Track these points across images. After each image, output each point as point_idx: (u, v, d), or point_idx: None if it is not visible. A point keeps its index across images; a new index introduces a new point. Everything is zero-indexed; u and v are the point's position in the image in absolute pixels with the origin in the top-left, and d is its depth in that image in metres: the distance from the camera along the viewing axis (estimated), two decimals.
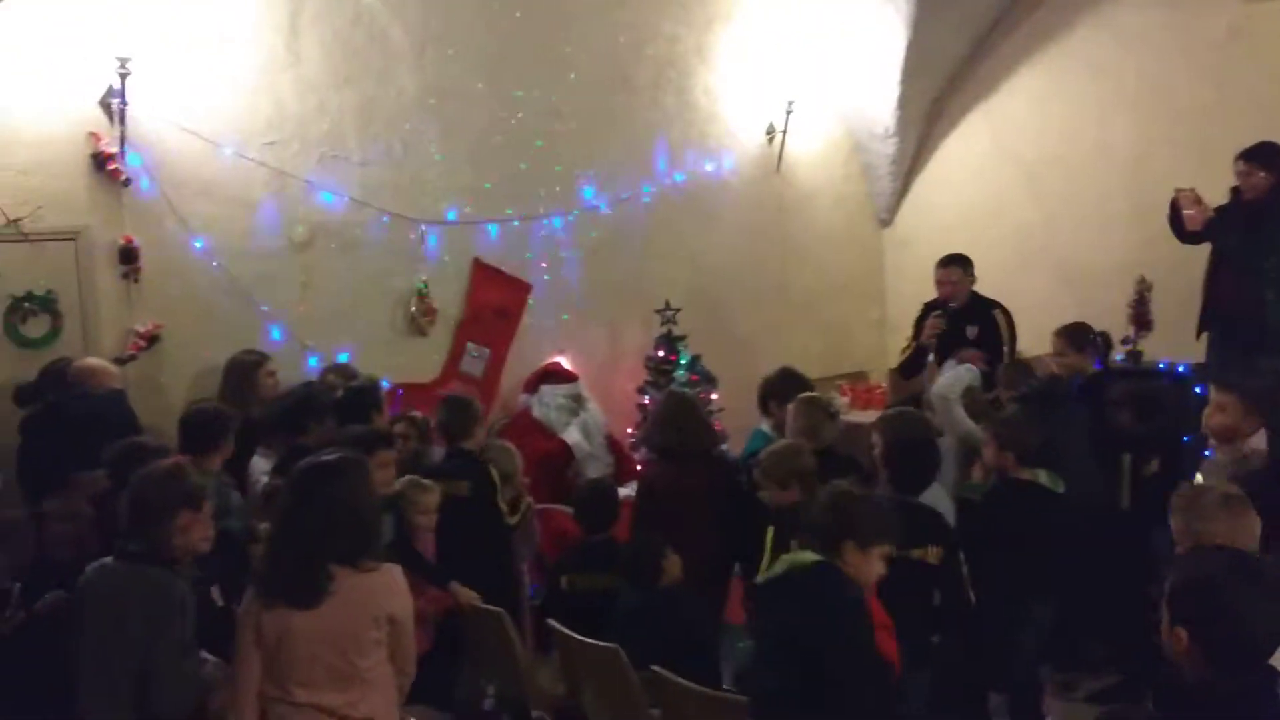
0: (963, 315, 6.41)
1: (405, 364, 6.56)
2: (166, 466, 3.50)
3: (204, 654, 3.50)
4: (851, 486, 3.68)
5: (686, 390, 5.74)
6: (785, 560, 3.40)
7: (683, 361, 7.26)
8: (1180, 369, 5.83)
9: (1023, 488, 4.62)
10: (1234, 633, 2.28)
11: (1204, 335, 5.83)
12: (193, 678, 3.37)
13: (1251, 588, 2.30)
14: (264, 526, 4.02)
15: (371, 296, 6.61)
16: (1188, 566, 2.48)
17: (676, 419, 5.12)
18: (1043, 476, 4.65)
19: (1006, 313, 6.40)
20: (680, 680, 3.83)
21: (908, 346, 6.67)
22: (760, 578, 3.63)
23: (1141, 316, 6.19)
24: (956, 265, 6.44)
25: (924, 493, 4.25)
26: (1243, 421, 4.15)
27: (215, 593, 3.84)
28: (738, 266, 7.94)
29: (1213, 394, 4.33)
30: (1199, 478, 4.08)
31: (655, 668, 3.88)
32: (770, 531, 4.32)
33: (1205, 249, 5.81)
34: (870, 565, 3.37)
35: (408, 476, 4.81)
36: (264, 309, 6.27)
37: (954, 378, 5.62)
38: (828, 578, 3.27)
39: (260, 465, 5.03)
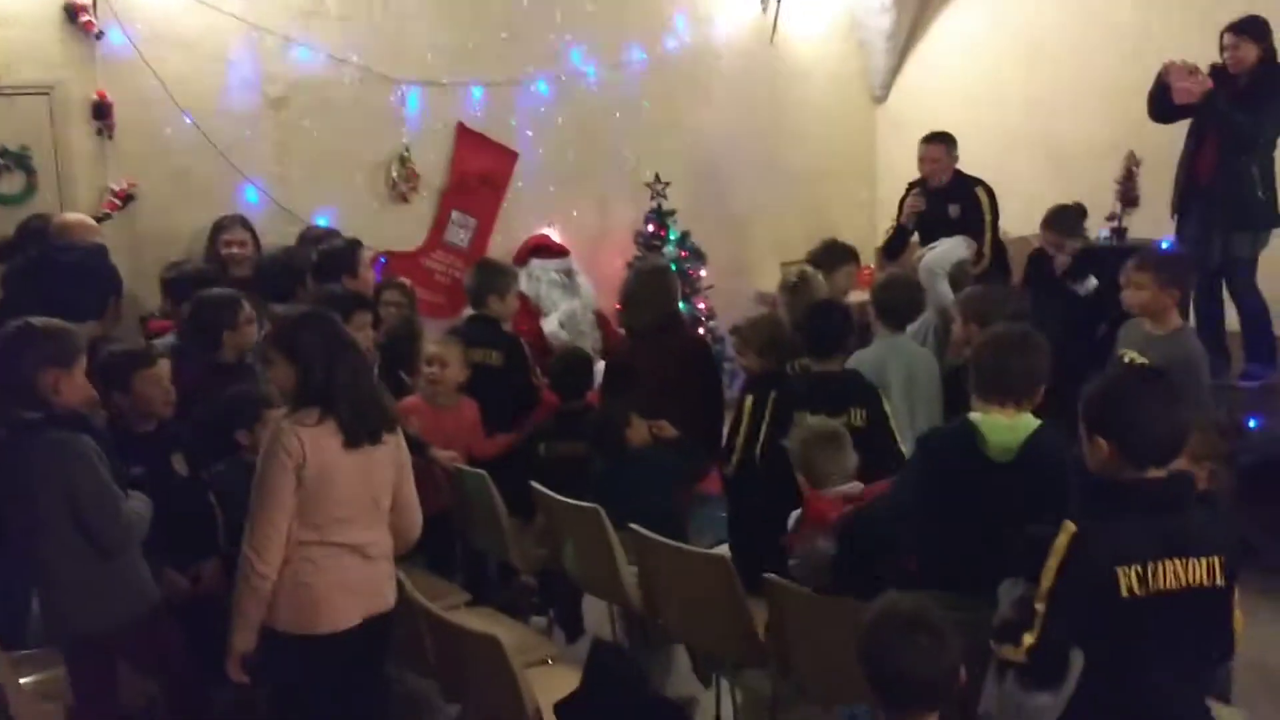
0: (945, 194, 6.27)
1: (388, 231, 6.46)
2: (16, 327, 3.31)
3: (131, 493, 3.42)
4: None
5: (658, 261, 5.62)
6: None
7: (672, 237, 7.20)
8: (1165, 245, 5.77)
9: None
10: (1147, 432, 2.49)
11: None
12: (124, 518, 3.30)
13: (1156, 391, 2.54)
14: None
15: (352, 160, 6.47)
16: (1100, 382, 2.64)
17: (642, 295, 4.99)
18: None
19: (989, 190, 6.26)
20: (657, 537, 3.86)
21: (892, 227, 6.59)
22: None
23: (1128, 193, 6.13)
24: (940, 143, 6.27)
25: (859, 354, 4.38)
26: (1161, 295, 4.32)
27: (178, 461, 3.81)
28: (729, 142, 7.79)
29: (1130, 273, 4.40)
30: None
31: (633, 525, 3.91)
32: (749, 400, 4.36)
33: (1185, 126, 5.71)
34: None
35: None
36: (240, 170, 6.14)
37: (944, 251, 5.56)
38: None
39: None
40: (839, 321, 4.30)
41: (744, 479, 4.31)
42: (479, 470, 4.50)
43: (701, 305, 7.18)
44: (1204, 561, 2.46)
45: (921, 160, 6.33)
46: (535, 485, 4.33)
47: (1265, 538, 5.36)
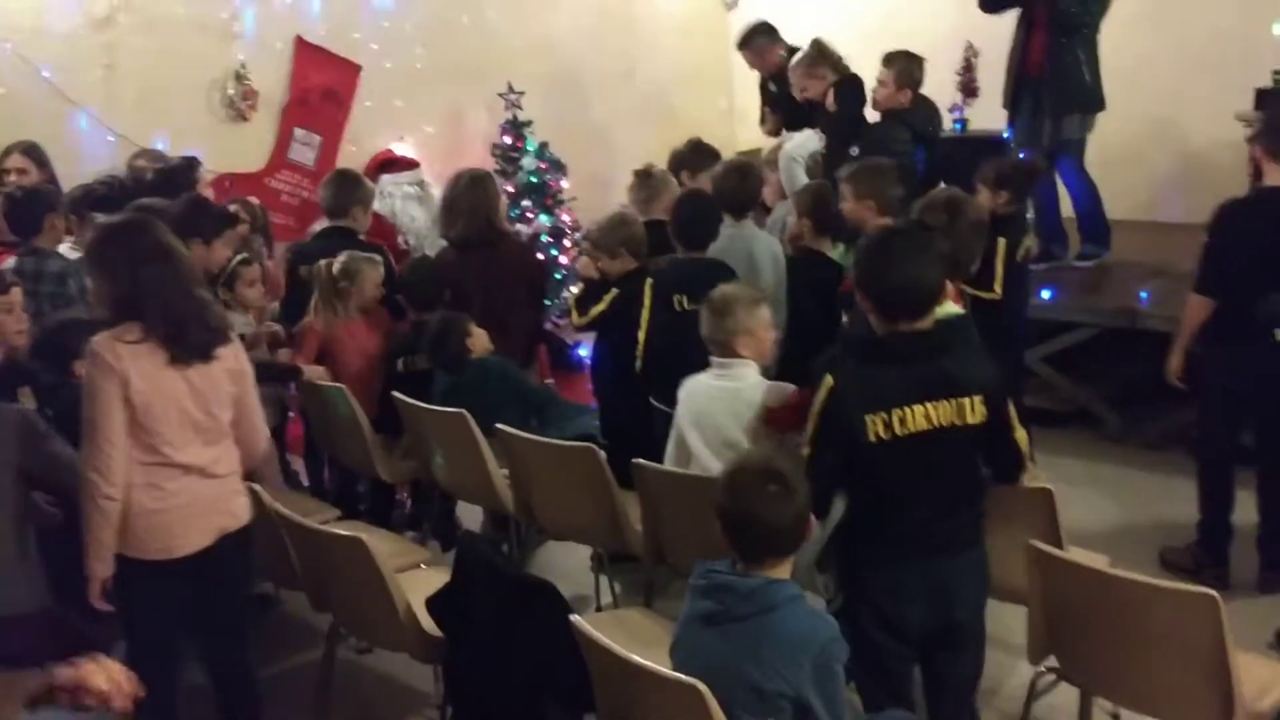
0: (783, 79, 6.25)
1: (229, 152, 6.18)
2: None
3: None
4: None
5: (476, 170, 5.51)
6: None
7: (529, 148, 7.09)
8: (1005, 135, 5.96)
9: (812, 257, 4.52)
10: (889, 287, 2.68)
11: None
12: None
13: (895, 248, 2.72)
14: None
15: (185, 79, 6.16)
16: (865, 240, 2.90)
17: (460, 205, 4.83)
18: (830, 248, 4.51)
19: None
20: (526, 434, 3.86)
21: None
22: None
23: (969, 85, 6.28)
24: (746, 47, 6.32)
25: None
26: (858, 207, 4.26)
27: (25, 395, 3.56)
28: (582, 51, 7.68)
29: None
30: None
31: (500, 425, 3.90)
32: (612, 294, 4.42)
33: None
34: None
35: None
36: (67, 95, 5.79)
37: (802, 141, 5.61)
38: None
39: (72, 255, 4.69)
40: (707, 211, 4.35)
41: (623, 377, 4.34)
42: (338, 385, 4.42)
43: (566, 217, 7.12)
44: (954, 402, 2.66)
45: (749, 64, 6.44)
46: (398, 396, 4.27)
47: (1105, 408, 5.69)
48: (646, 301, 4.21)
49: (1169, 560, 4.39)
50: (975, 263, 3.89)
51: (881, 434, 2.65)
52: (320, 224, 5.10)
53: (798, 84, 5.64)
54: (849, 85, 5.44)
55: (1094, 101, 5.82)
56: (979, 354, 2.81)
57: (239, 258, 4.53)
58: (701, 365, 3.55)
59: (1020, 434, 2.86)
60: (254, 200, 5.34)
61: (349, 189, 4.93)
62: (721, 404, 3.48)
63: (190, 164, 5.02)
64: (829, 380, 2.71)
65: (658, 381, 4.05)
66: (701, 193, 4.66)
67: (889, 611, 2.78)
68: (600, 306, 4.47)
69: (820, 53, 5.54)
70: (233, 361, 3.11)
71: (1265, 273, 3.95)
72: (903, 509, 2.74)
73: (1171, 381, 4.27)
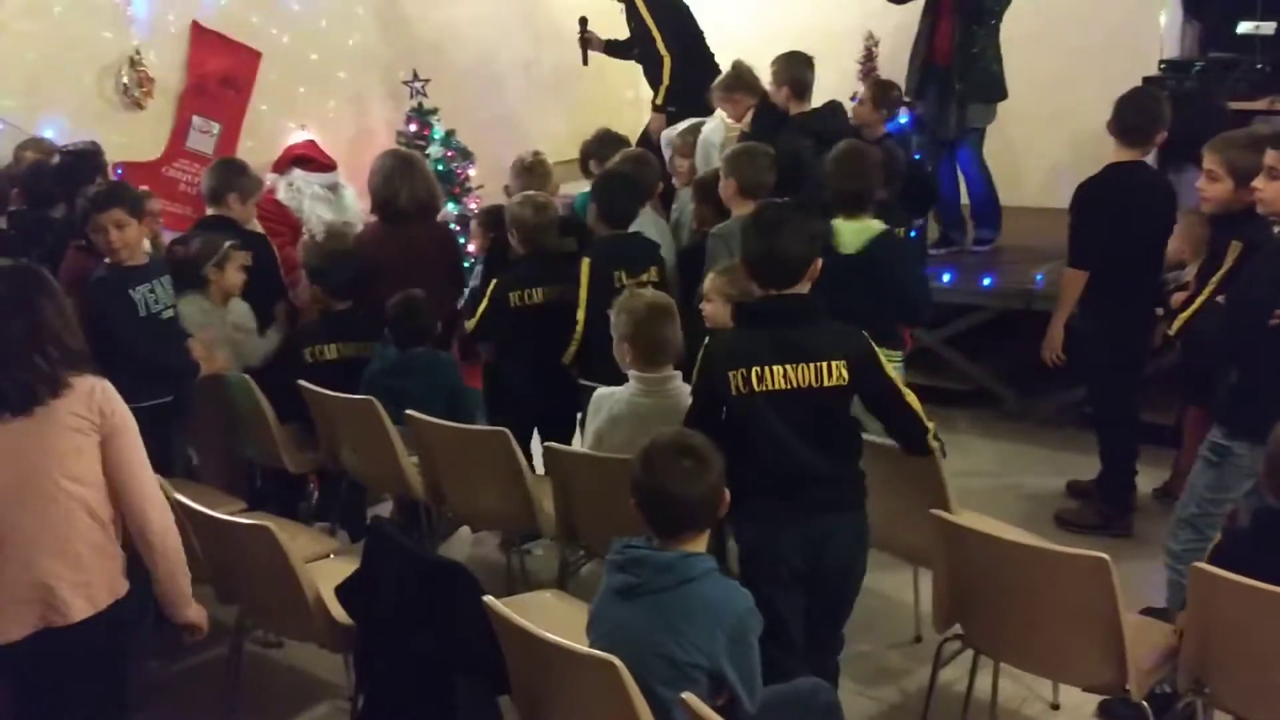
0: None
1: (122, 140, 5.94)
2: None
3: None
4: None
5: (401, 148, 5.43)
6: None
7: (436, 136, 7.02)
8: (905, 120, 6.09)
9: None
10: (753, 258, 2.96)
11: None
12: None
13: (761, 224, 2.96)
14: None
15: (76, 66, 5.92)
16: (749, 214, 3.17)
17: (400, 181, 4.82)
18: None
19: None
20: (435, 420, 3.84)
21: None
22: None
23: (869, 72, 6.41)
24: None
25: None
26: (726, 185, 4.39)
27: None
28: (486, 39, 7.61)
29: None
30: None
31: (410, 412, 3.87)
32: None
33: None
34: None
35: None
36: None
37: (718, 124, 5.66)
38: None
39: None
40: (630, 188, 4.48)
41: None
42: (243, 374, 4.33)
43: (473, 205, 7.07)
44: (813, 366, 2.88)
45: None
46: (305, 385, 4.21)
47: (1002, 386, 5.87)
48: (584, 280, 4.24)
49: (1067, 519, 4.62)
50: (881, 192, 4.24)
51: (741, 388, 2.88)
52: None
53: (717, 104, 5.63)
54: (765, 112, 5.43)
55: (999, 90, 6.02)
56: (840, 325, 2.97)
57: (229, 243, 4.48)
58: None
59: (912, 397, 3.02)
60: (146, 189, 5.16)
61: (225, 177, 4.78)
62: (641, 425, 3.38)
63: (96, 149, 4.87)
64: (706, 342, 3.02)
65: (594, 359, 4.10)
66: (619, 172, 4.71)
67: (766, 561, 2.93)
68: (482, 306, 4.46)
69: (738, 77, 5.52)
70: (58, 421, 2.55)
71: (1126, 241, 4.22)
72: (773, 464, 2.93)
73: (1047, 358, 4.53)
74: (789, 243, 2.91)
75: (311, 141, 6.71)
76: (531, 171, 4.97)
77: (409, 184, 4.81)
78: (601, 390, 3.57)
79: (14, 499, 2.54)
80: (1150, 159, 4.49)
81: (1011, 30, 6.08)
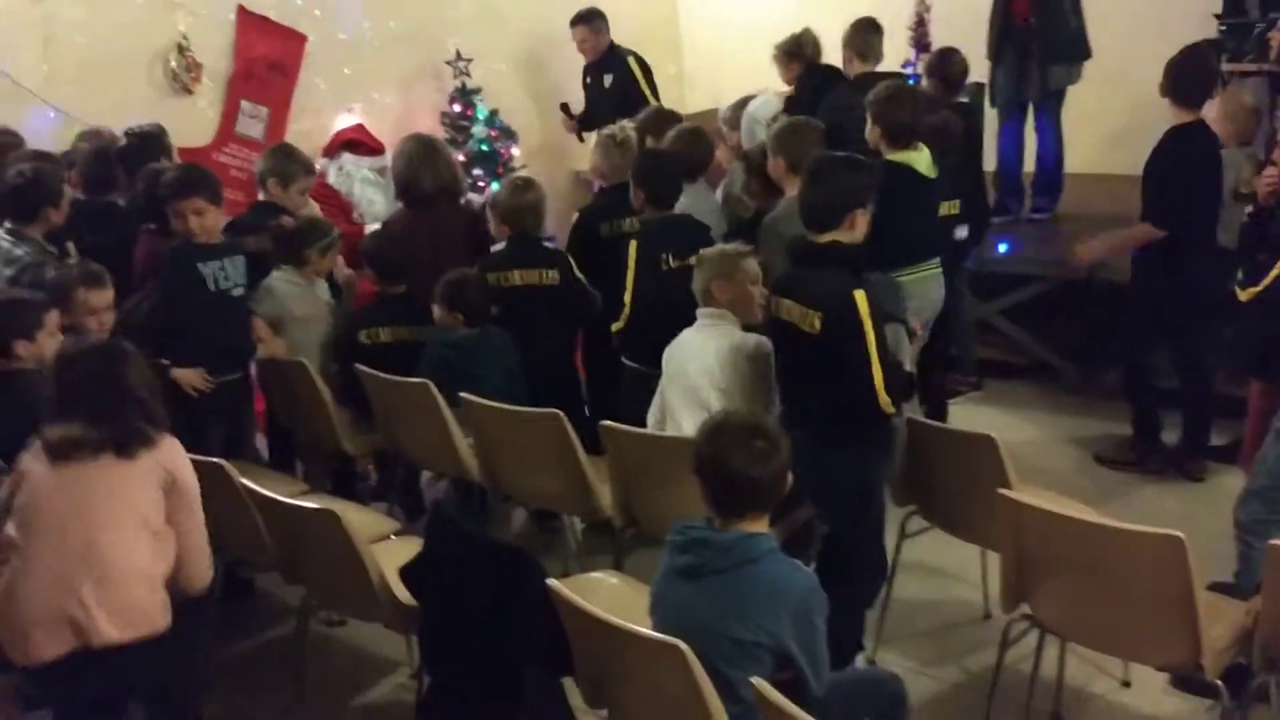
0: (599, 67, 6.73)
1: (173, 126, 5.95)
2: None
3: None
4: None
5: (424, 135, 5.42)
6: None
7: (480, 116, 7.02)
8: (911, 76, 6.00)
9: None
10: (808, 203, 3.25)
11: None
12: None
13: (824, 175, 3.26)
14: None
15: (126, 53, 5.98)
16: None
17: (423, 166, 4.76)
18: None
19: (640, 60, 6.67)
20: (489, 403, 3.84)
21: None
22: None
23: (921, 39, 6.30)
24: (580, 24, 6.73)
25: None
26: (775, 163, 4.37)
27: None
28: (529, 17, 7.56)
29: None
30: None
31: (465, 395, 3.87)
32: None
33: None
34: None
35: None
36: (2, 70, 5.61)
37: (764, 102, 5.62)
38: None
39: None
40: (672, 168, 4.41)
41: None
42: (299, 359, 4.36)
43: None
44: (800, 309, 3.16)
45: (577, 44, 6.79)
46: (361, 368, 4.23)
47: (1061, 360, 5.77)
48: (631, 262, 4.22)
49: (1106, 459, 4.82)
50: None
51: (772, 310, 3.31)
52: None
53: (775, 63, 5.92)
54: (808, 74, 5.67)
55: (1082, 49, 5.93)
56: (843, 282, 3.14)
57: (337, 231, 4.64)
58: (689, 323, 3.69)
59: (878, 376, 3.10)
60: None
61: (269, 162, 4.76)
62: (696, 361, 3.55)
63: (160, 130, 4.96)
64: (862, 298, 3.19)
65: (638, 341, 4.11)
66: (659, 151, 4.66)
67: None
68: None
69: (800, 42, 5.80)
70: (143, 470, 2.87)
71: (1195, 201, 4.33)
72: (786, 386, 3.36)
73: (1074, 260, 4.88)
74: (825, 191, 3.20)
75: (360, 125, 6.75)
76: (624, 147, 4.84)
77: (431, 168, 4.78)
78: None
79: (99, 523, 2.81)
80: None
81: None
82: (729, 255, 3.65)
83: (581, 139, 7.03)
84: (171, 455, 2.91)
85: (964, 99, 5.43)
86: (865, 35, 5.39)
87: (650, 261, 4.20)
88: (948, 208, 4.64)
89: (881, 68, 5.69)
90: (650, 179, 4.35)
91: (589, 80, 6.91)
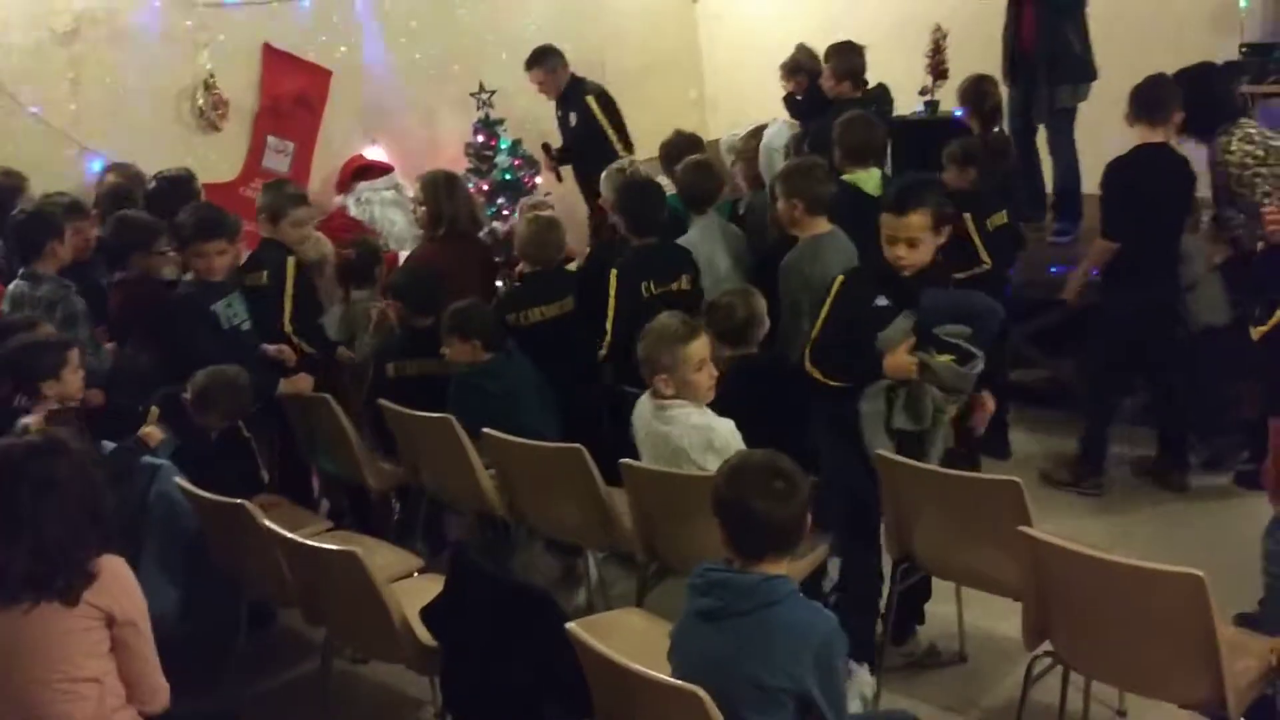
0: (563, 104, 6.70)
1: (201, 162, 6.10)
2: None
3: None
4: None
5: (442, 170, 5.49)
6: None
7: (503, 146, 7.09)
8: (957, 114, 6.00)
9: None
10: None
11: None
12: None
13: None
14: None
15: (153, 91, 6.11)
16: None
17: (445, 202, 4.87)
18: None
19: (600, 95, 6.61)
20: (510, 437, 3.86)
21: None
22: None
23: (938, 66, 6.32)
24: (534, 67, 6.60)
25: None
26: (785, 206, 4.27)
27: None
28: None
29: None
30: None
31: (485, 429, 3.90)
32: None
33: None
34: None
35: None
36: (32, 110, 5.73)
37: (778, 130, 5.68)
38: None
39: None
40: (654, 199, 4.48)
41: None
42: (323, 395, 4.40)
43: None
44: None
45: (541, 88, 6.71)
46: (384, 403, 4.26)
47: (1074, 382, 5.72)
48: (612, 291, 4.28)
49: (1049, 476, 4.90)
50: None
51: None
52: None
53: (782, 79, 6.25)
54: (813, 92, 6.08)
55: (1085, 72, 6.00)
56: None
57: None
58: None
59: (814, 336, 3.38)
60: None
61: (264, 199, 4.73)
62: (659, 449, 3.45)
63: (189, 175, 5.05)
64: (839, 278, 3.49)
65: (624, 366, 4.15)
66: (641, 181, 4.70)
67: None
68: None
69: (807, 56, 6.25)
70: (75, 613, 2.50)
71: (1147, 218, 4.51)
72: None
73: (1069, 298, 5.00)
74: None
75: (359, 155, 6.80)
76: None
77: (454, 201, 4.88)
78: None
79: (34, 676, 2.52)
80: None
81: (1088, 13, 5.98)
82: (667, 339, 3.34)
83: (560, 178, 7.02)
84: (109, 586, 2.56)
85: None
86: (846, 57, 5.66)
87: (630, 290, 4.26)
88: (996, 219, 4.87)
89: (899, 95, 5.77)
90: (629, 208, 4.43)
91: (560, 116, 6.75)
